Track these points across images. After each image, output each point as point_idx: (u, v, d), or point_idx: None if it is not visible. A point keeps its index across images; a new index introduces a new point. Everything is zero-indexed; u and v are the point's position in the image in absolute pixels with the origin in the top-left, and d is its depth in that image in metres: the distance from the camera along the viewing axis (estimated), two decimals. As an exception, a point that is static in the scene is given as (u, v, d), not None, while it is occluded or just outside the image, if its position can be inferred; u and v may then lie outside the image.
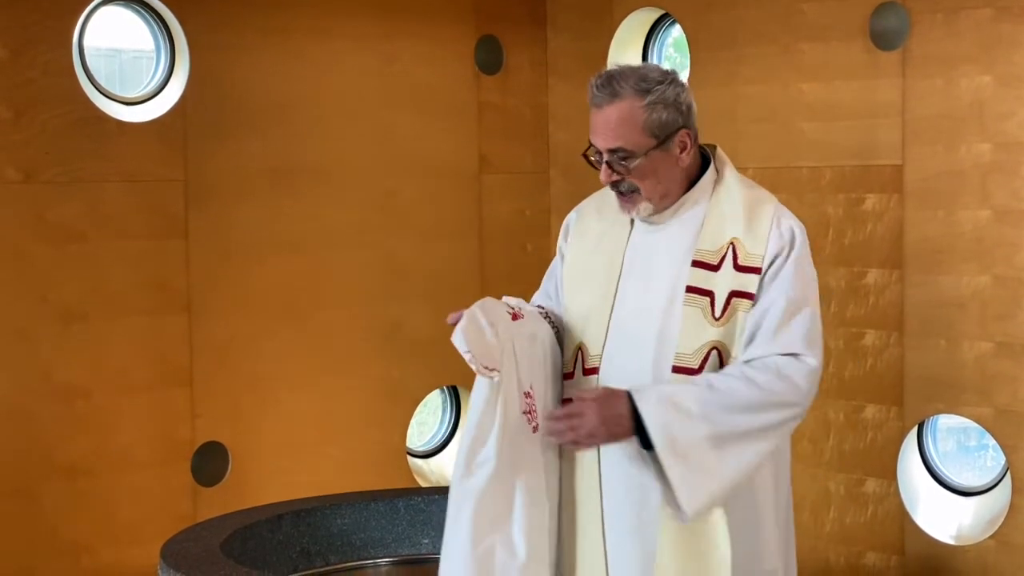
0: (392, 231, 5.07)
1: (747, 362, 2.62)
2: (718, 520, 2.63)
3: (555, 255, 2.99)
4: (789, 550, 2.85)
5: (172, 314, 4.51)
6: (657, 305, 2.68)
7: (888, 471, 4.63)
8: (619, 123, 2.67)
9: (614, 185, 2.71)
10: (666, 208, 2.74)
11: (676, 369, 2.63)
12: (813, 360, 2.62)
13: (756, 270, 2.65)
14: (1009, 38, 4.34)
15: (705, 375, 2.62)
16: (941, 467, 4.72)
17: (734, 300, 2.64)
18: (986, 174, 4.40)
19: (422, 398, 5.23)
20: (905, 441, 4.62)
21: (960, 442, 5.17)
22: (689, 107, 2.71)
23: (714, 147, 2.81)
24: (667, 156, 2.68)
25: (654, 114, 2.66)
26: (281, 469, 4.73)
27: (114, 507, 4.38)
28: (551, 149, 5.53)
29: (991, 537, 4.40)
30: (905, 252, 4.58)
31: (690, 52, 5.12)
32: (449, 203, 5.25)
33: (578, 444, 2.63)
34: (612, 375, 2.70)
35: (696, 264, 2.66)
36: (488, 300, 2.76)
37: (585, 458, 2.73)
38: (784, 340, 2.61)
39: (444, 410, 5.47)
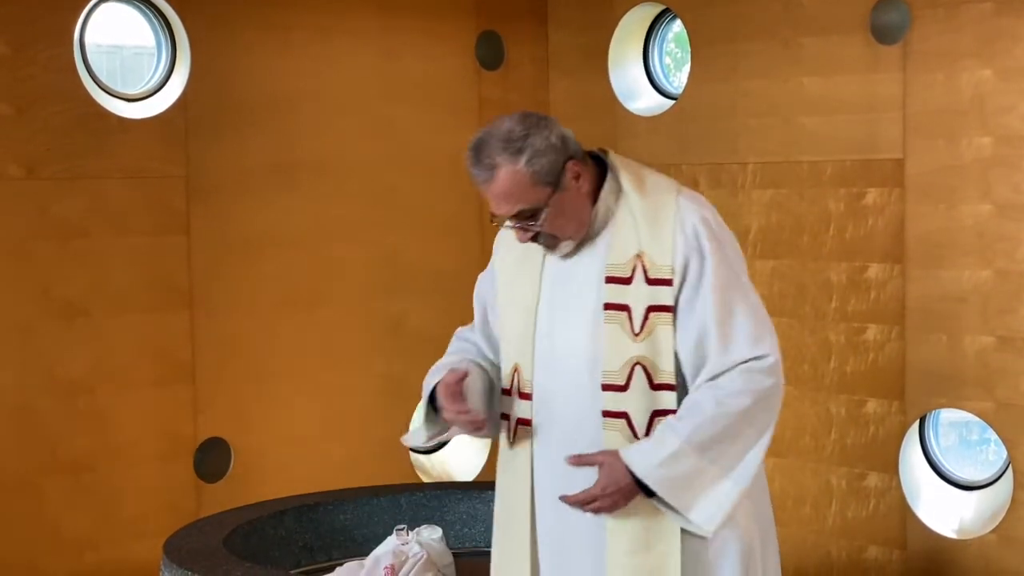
0: (393, 227, 5.08)
1: (713, 380, 2.61)
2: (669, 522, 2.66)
3: (489, 268, 2.96)
4: (765, 523, 2.82)
5: (174, 310, 4.52)
6: (581, 327, 2.69)
7: (890, 465, 4.64)
8: (510, 190, 2.62)
9: (533, 239, 2.70)
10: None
11: (605, 387, 2.65)
12: (771, 356, 2.62)
13: (667, 281, 2.63)
14: (1010, 32, 4.33)
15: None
16: (943, 461, 4.72)
17: (652, 315, 2.63)
18: (987, 168, 4.40)
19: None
20: (907, 435, 4.62)
21: (962, 436, 5.17)
22: (563, 139, 2.66)
23: (606, 152, 2.77)
24: (567, 193, 2.66)
25: (536, 166, 2.62)
26: (283, 465, 4.74)
27: (117, 503, 4.39)
28: (552, 144, 5.52)
29: (993, 531, 4.40)
30: (906, 246, 4.58)
31: (690, 47, 5.12)
32: (450, 199, 5.24)
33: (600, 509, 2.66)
34: (547, 401, 2.73)
35: (609, 280, 2.66)
36: None
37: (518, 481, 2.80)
38: (735, 349, 2.61)
39: (446, 405, 5.47)
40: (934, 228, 4.51)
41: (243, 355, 4.68)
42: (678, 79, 5.47)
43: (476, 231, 5.31)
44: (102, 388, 4.36)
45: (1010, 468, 4.40)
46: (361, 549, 3.83)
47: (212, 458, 4.62)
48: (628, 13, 5.29)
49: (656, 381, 2.63)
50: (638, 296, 2.64)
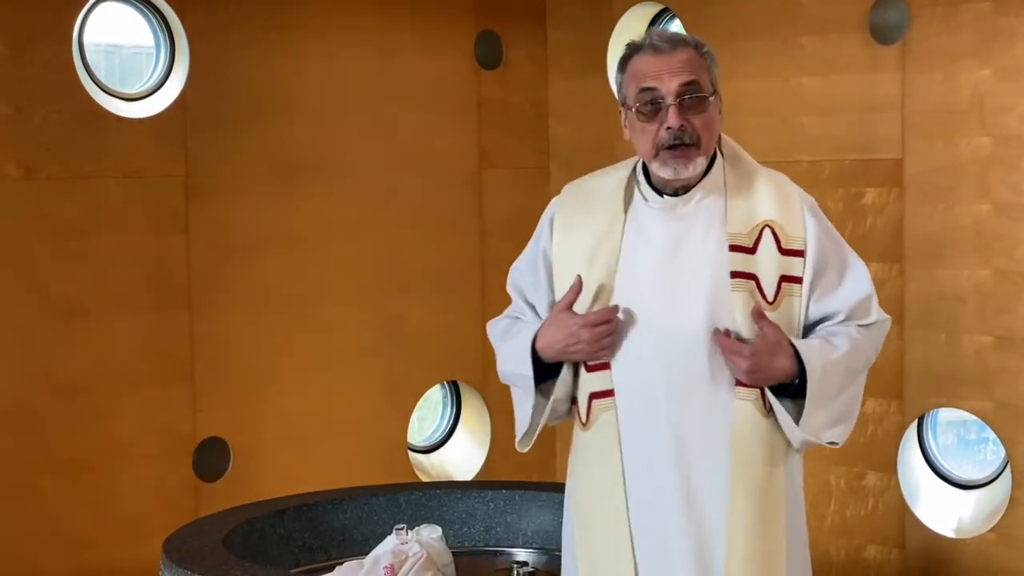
0: (392, 226, 5.08)
1: (861, 326, 2.70)
2: (779, 497, 2.64)
3: (532, 252, 2.84)
4: None
5: (173, 310, 4.51)
6: (699, 293, 2.61)
7: (888, 465, 4.64)
8: (689, 62, 2.62)
9: (679, 134, 2.60)
10: (696, 182, 2.67)
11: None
12: (889, 320, 2.78)
13: (800, 253, 2.66)
14: (1008, 31, 4.34)
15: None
16: (941, 461, 4.72)
17: (784, 285, 2.63)
18: (986, 168, 4.40)
19: (423, 393, 5.24)
20: (905, 435, 4.62)
21: (960, 436, 5.17)
22: None
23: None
24: (717, 113, 2.67)
25: (711, 63, 2.67)
26: (282, 464, 4.74)
27: (116, 502, 4.39)
28: (551, 144, 5.53)
29: (991, 530, 4.41)
30: (905, 246, 4.58)
31: (690, 46, 5.12)
32: (449, 198, 5.25)
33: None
34: (643, 374, 2.63)
35: (734, 248, 2.63)
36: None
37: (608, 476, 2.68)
38: (876, 310, 2.73)
39: (444, 405, 5.48)
40: (933, 228, 4.52)
41: (242, 354, 4.68)
42: (677, 78, 5.47)
43: (475, 231, 5.32)
44: (101, 388, 4.36)
45: (1008, 467, 4.41)
46: (360, 548, 3.83)
47: (211, 457, 4.62)
48: (627, 12, 5.30)
49: None
50: (767, 265, 2.63)
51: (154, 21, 4.57)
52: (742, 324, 2.59)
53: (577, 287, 2.65)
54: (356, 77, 4.98)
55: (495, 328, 2.88)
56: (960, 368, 4.47)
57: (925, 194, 4.53)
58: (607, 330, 2.61)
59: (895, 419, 4.62)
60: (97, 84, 4.44)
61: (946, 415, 4.75)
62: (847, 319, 2.68)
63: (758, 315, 2.57)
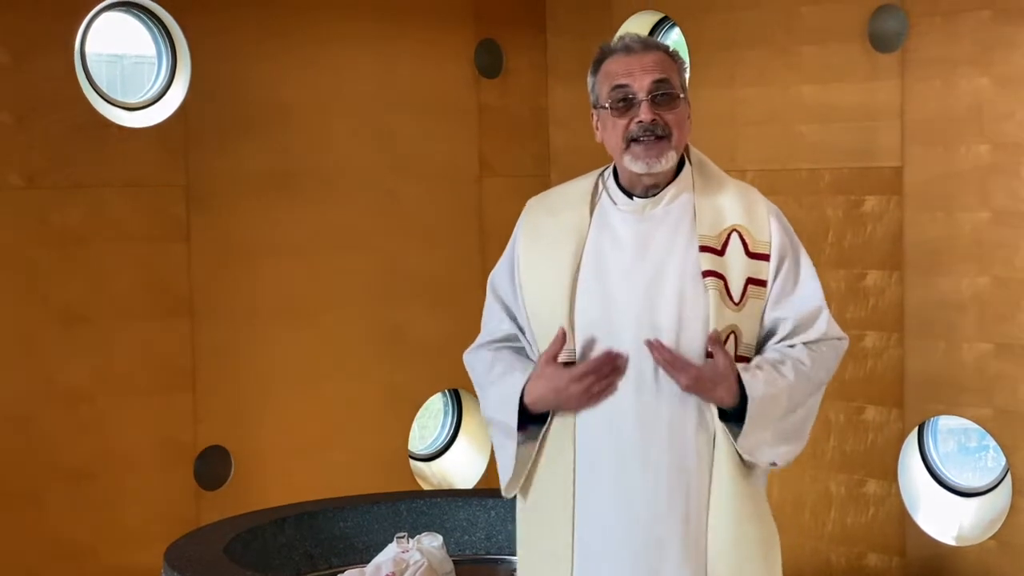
0: (393, 234, 5.09)
1: (807, 344, 2.70)
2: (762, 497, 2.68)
3: (508, 260, 2.87)
4: None
5: (174, 318, 4.52)
6: (669, 292, 2.66)
7: (889, 472, 4.64)
8: (660, 62, 2.73)
9: (650, 127, 2.69)
10: (664, 185, 2.73)
11: (709, 355, 2.63)
12: (847, 340, 2.77)
13: (766, 256, 2.71)
14: (1007, 39, 4.35)
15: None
16: (942, 468, 4.73)
17: (750, 287, 2.69)
18: (985, 175, 4.41)
19: (424, 401, 5.25)
20: (906, 442, 4.63)
21: (960, 443, 5.18)
22: None
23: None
24: (687, 116, 2.75)
25: (681, 70, 2.76)
26: (284, 472, 4.75)
27: (117, 511, 4.39)
28: (551, 152, 5.54)
29: (992, 538, 4.41)
30: (905, 254, 4.59)
31: (689, 54, 5.13)
32: (450, 206, 5.26)
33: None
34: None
35: (704, 249, 2.68)
36: None
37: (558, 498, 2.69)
38: (831, 330, 2.74)
39: (445, 413, 5.48)
40: (932, 235, 4.52)
41: (243, 363, 4.68)
42: (677, 87, 5.48)
43: (475, 238, 5.32)
44: (102, 396, 4.37)
45: (1009, 475, 4.41)
46: (362, 557, 3.83)
47: (212, 466, 4.63)
48: (627, 21, 5.30)
49: (738, 352, 2.66)
50: (735, 267, 2.68)
51: (156, 31, 4.59)
52: (714, 319, 2.63)
53: (560, 339, 2.66)
54: (357, 85, 4.99)
55: (474, 359, 2.87)
56: (960, 375, 4.47)
57: (925, 202, 4.54)
58: (594, 381, 2.62)
59: (895, 427, 4.63)
60: (99, 93, 4.45)
61: (946, 423, 4.75)
62: (795, 329, 2.70)
63: (713, 342, 2.60)
